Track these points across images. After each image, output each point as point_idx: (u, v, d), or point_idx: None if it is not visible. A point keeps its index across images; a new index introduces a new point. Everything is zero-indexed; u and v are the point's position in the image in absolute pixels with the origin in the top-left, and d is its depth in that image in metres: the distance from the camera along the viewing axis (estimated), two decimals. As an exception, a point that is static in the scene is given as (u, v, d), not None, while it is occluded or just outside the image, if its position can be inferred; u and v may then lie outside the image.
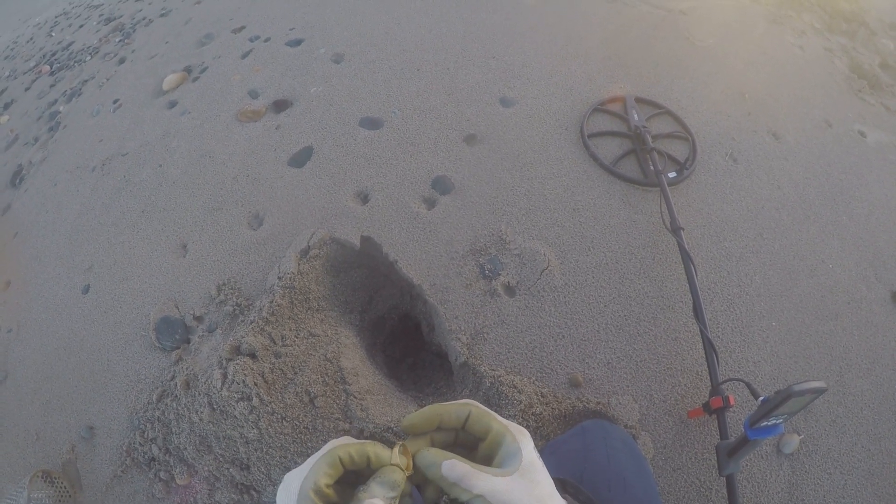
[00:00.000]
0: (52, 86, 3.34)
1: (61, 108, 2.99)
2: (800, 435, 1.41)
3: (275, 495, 0.47)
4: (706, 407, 1.33)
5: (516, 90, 2.17)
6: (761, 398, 1.11)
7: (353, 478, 0.49)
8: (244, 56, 2.63)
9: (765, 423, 1.09)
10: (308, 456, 0.50)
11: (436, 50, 2.40)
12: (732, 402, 1.28)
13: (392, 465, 0.46)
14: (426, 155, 1.94)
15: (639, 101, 2.12)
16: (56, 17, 4.74)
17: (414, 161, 1.93)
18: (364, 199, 1.84)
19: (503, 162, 1.91)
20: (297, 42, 2.61)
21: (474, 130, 2.02)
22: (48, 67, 3.65)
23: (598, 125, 2.04)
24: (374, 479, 0.45)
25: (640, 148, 1.92)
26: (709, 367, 1.39)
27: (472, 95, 2.16)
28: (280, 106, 2.24)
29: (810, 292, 1.68)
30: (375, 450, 0.48)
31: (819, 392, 1.00)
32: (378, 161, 1.94)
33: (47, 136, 2.81)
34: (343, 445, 0.47)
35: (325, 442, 0.53)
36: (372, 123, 2.08)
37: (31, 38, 4.50)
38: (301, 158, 1.99)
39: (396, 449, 0.48)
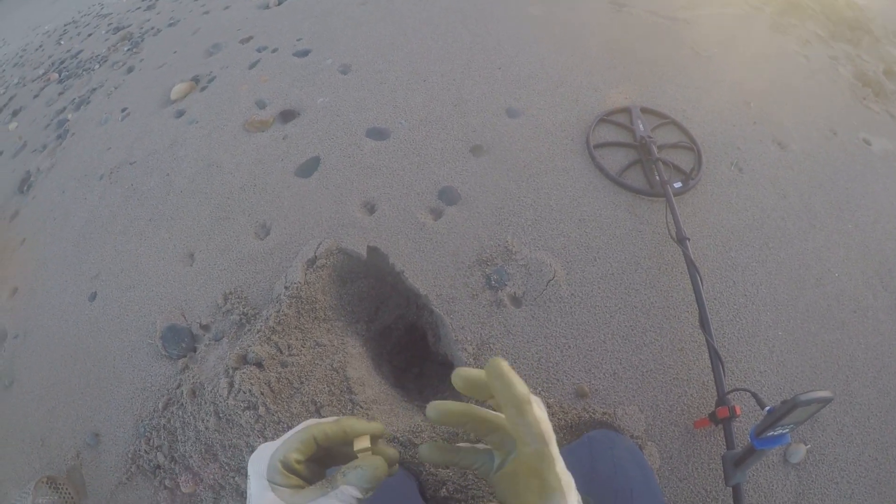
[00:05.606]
0: (60, 94, 3.38)
1: (69, 116, 3.01)
2: (806, 444, 1.40)
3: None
4: (712, 417, 1.32)
5: (522, 101, 2.18)
6: (767, 408, 1.10)
7: (326, 457, 0.50)
8: (252, 66, 2.65)
9: (771, 433, 1.08)
10: None
11: (442, 61, 2.41)
12: (739, 412, 1.27)
13: (376, 457, 0.46)
14: (432, 165, 1.95)
15: (644, 111, 2.13)
16: (65, 25, 4.80)
17: (420, 172, 1.93)
18: (371, 209, 1.85)
19: (509, 172, 1.91)
20: (305, 53, 2.63)
21: (480, 141, 2.03)
22: (57, 75, 3.69)
23: (604, 136, 2.04)
24: (357, 465, 0.44)
25: (645, 158, 1.92)
26: (715, 377, 1.38)
27: (478, 106, 2.17)
28: (287, 116, 2.26)
29: (816, 301, 1.67)
30: (350, 423, 0.48)
31: (825, 402, 0.99)
32: (385, 171, 1.95)
33: (55, 143, 2.84)
34: (318, 424, 0.47)
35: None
36: (378, 134, 2.09)
37: (41, 46, 4.55)
38: (308, 168, 2.01)
39: (395, 451, 0.49)
